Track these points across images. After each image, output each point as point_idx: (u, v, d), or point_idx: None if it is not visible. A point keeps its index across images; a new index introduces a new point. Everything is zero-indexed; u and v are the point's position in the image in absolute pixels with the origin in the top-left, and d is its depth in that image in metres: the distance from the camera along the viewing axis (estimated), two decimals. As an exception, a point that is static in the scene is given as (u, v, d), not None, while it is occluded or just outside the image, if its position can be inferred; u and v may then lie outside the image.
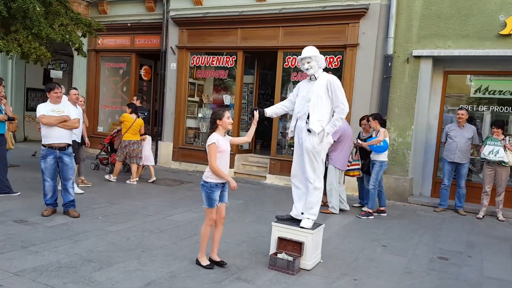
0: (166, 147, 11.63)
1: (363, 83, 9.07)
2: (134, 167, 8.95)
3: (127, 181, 8.88)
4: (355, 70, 9.16)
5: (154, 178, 9.28)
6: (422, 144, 8.93)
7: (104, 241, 5.11)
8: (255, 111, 4.75)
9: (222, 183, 4.39)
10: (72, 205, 6.13)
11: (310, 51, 4.64)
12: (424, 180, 9.05)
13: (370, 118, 7.48)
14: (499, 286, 4.53)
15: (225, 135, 4.47)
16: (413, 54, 8.61)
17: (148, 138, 9.36)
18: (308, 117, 4.59)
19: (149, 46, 12.42)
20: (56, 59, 12.50)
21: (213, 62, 11.08)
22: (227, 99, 11.40)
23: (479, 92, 8.67)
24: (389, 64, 8.78)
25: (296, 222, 4.77)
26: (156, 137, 11.83)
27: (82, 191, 7.59)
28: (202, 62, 11.23)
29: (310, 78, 4.72)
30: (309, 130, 4.57)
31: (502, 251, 5.85)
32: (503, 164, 7.53)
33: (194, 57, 11.29)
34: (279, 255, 4.60)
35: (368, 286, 4.33)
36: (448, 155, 8.00)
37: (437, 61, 8.66)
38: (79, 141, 7.88)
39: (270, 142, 10.42)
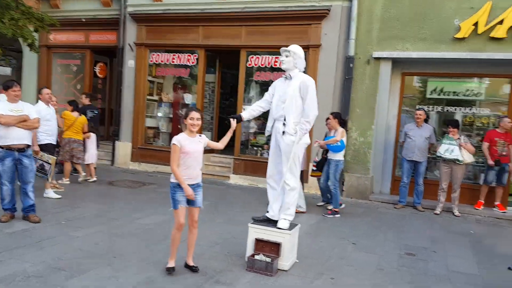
0: (124, 147, 11.28)
1: (325, 83, 9.22)
2: (68, 167, 8.55)
3: (59, 181, 8.31)
4: (318, 70, 9.29)
5: (95, 178, 8.99)
6: (382, 143, 9.20)
7: (71, 248, 4.88)
8: (232, 120, 4.72)
9: (190, 185, 4.27)
10: (32, 209, 5.81)
11: (292, 47, 4.71)
12: (384, 178, 9.34)
13: (330, 117, 7.62)
14: (466, 280, 4.75)
15: (196, 136, 4.35)
16: (373, 56, 8.86)
17: (93, 136, 9.07)
18: (284, 119, 4.60)
19: (104, 42, 11.96)
20: (6, 55, 11.78)
21: (174, 60, 10.86)
22: (188, 98, 11.22)
23: (434, 93, 9.06)
24: (351, 65, 8.98)
25: (272, 223, 4.77)
26: (113, 137, 11.45)
27: (59, 196, 7.30)
28: (162, 60, 10.99)
29: (286, 77, 4.72)
30: (284, 132, 4.60)
31: (463, 245, 6.14)
32: (457, 162, 7.92)
33: (154, 54, 11.02)
34: (256, 257, 4.58)
35: (345, 284, 4.40)
36: (407, 154, 8.31)
37: (395, 62, 8.95)
38: (55, 143, 7.57)
39: (233, 142, 10.36)
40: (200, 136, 4.38)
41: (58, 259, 4.51)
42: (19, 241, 4.97)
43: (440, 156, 8.07)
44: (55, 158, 7.38)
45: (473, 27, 8.17)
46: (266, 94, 4.96)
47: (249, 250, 4.74)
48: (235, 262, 4.79)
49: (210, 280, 4.23)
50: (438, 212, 8.12)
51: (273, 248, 4.63)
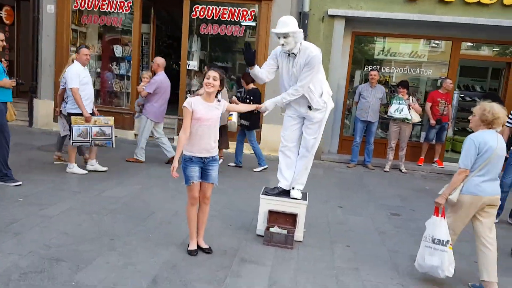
0: (45, 106, 9.88)
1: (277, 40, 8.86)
2: None
3: None
4: (271, 26, 8.88)
5: None
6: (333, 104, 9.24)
7: (53, 232, 4.14)
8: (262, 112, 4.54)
9: (201, 158, 3.81)
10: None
11: (288, 27, 4.10)
12: (332, 137, 9.49)
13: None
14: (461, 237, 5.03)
15: (214, 101, 3.85)
16: (328, 13, 8.70)
17: None
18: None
19: (11, -20, 10.13)
20: None
21: (103, 6, 9.58)
22: (118, 50, 10.09)
23: (382, 54, 9.28)
24: (306, 22, 8.73)
25: (283, 193, 4.52)
26: (31, 94, 9.96)
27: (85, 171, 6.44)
28: (89, 5, 9.63)
29: (289, 54, 4.31)
30: (310, 108, 4.34)
31: (429, 202, 6.50)
32: (406, 121, 8.31)
33: (78, -1, 9.61)
34: (271, 229, 4.33)
35: (364, 252, 4.38)
36: (362, 114, 8.47)
37: (347, 21, 8.90)
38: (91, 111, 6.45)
39: (178, 98, 9.61)
40: (218, 101, 3.86)
41: (47, 247, 3.79)
42: (-21, 227, 4.08)
43: (391, 116, 8.37)
44: (113, 118, 6.43)
45: (426, -11, 8.39)
46: (266, 64, 4.49)
47: (261, 222, 4.46)
48: (245, 236, 4.48)
49: (234, 259, 3.90)
50: (387, 170, 8.52)
51: (288, 219, 4.41)
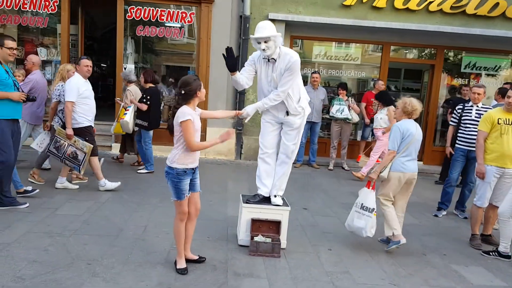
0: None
1: (220, 42, 8.74)
2: None
3: None
4: (212, 28, 8.76)
5: None
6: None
7: (19, 261, 3.68)
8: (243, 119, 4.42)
9: (192, 168, 3.67)
10: None
11: (268, 30, 4.09)
12: (275, 138, 9.59)
13: None
14: (423, 231, 5.36)
15: (197, 109, 3.71)
16: (269, 17, 8.76)
17: None
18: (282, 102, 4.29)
19: None
20: None
21: (25, 5, 8.75)
22: (42, 52, 9.28)
23: (319, 57, 9.58)
24: (247, 25, 8.73)
25: (264, 200, 4.47)
26: None
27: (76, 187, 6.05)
28: (9, 4, 8.73)
29: (269, 60, 4.28)
30: (287, 113, 4.34)
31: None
32: (347, 120, 8.68)
33: (-6, -4, 8.66)
34: (256, 239, 4.26)
35: (346, 252, 4.48)
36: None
37: (287, 25, 9.05)
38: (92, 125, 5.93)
39: (113, 105, 9.08)
40: (197, 109, 3.71)
41: (21, 279, 3.35)
42: None
43: (333, 116, 8.68)
44: (91, 146, 5.75)
45: (359, -5, 8.82)
46: (245, 70, 4.42)
47: (243, 232, 4.36)
48: (227, 247, 4.36)
49: (227, 273, 3.76)
50: (331, 168, 8.83)
51: (271, 227, 4.36)
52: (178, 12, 8.79)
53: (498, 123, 4.85)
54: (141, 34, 8.92)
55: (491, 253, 4.68)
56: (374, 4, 8.81)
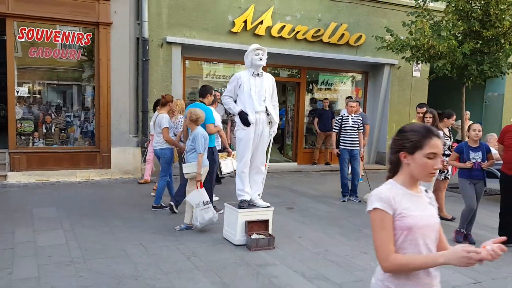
0: None
1: (120, 64, 8.98)
2: None
3: None
4: (111, 50, 8.90)
5: None
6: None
7: None
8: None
9: None
10: None
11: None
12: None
13: None
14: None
15: None
16: (166, 40, 9.36)
17: None
18: (266, 111, 5.21)
19: None
20: None
21: None
22: None
23: (209, 76, 10.55)
24: (146, 47, 9.14)
25: (251, 205, 5.32)
26: None
27: None
28: None
29: (258, 74, 5.22)
30: (270, 122, 5.25)
31: (289, 194, 8.22)
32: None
33: None
34: (253, 237, 5.09)
35: (316, 238, 5.63)
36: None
37: (183, 48, 9.74)
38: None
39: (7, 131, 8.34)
40: None
41: None
42: None
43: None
44: None
45: (243, 24, 10.08)
46: (233, 95, 5.29)
47: (239, 233, 5.12)
48: (228, 247, 5.07)
49: (249, 266, 4.53)
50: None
51: (261, 225, 5.24)
52: (74, 33, 8.67)
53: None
54: (33, 56, 8.47)
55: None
56: (256, 32, 10.22)
